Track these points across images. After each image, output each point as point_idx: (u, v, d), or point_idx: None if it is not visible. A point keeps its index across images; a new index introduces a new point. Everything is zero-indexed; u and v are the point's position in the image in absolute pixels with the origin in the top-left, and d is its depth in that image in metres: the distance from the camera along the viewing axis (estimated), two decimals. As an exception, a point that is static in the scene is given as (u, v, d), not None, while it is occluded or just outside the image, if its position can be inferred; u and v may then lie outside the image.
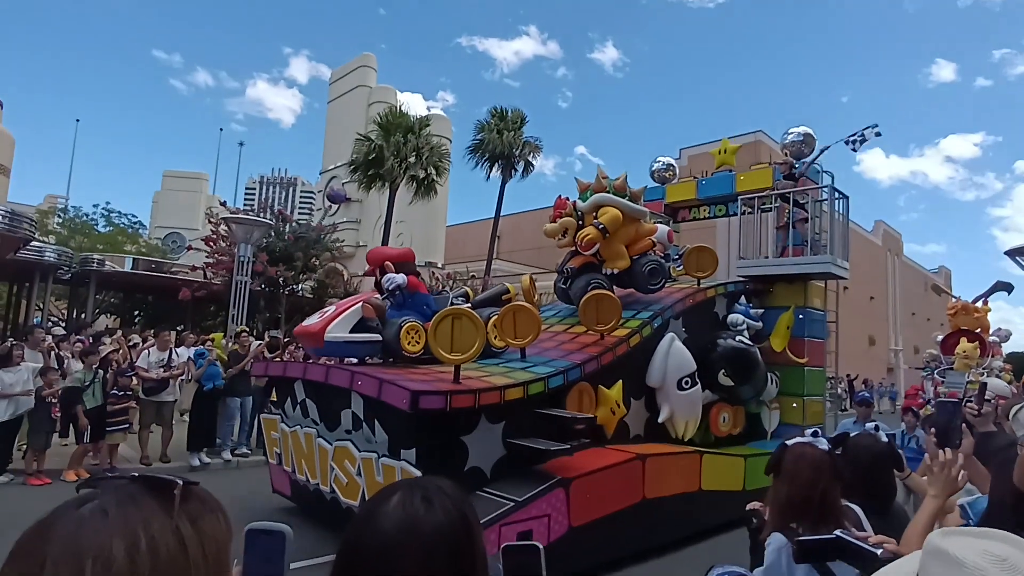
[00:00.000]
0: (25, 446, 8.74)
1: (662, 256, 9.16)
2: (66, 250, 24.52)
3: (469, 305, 6.89)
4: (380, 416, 5.18)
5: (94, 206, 33.71)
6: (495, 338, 6.51)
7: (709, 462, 6.93)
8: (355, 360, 6.14)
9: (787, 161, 9.08)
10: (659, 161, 11.05)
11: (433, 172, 27.49)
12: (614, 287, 7.84)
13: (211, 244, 23.22)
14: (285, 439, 6.37)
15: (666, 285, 8.58)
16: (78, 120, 49.02)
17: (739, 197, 9.19)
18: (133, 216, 34.24)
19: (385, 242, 27.18)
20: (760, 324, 8.49)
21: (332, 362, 6.18)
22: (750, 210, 9.21)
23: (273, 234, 22.73)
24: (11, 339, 9.35)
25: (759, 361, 7.80)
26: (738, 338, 7.77)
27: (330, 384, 5.51)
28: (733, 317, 8.18)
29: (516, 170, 30.29)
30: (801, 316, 8.81)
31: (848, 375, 34.42)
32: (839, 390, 31.96)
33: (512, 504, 4.96)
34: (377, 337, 6.03)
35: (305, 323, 6.08)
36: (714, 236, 18.44)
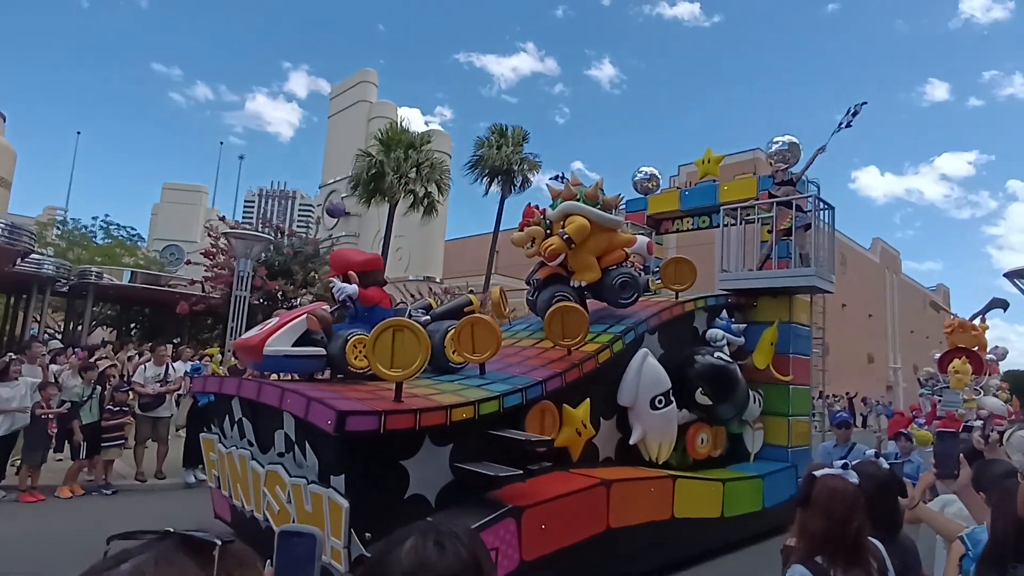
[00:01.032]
0: (19, 462, 8.44)
1: (642, 268, 8.67)
2: (64, 263, 24.26)
3: (428, 318, 6.38)
4: (311, 438, 4.65)
5: (93, 218, 33.59)
6: (453, 353, 6.00)
7: (683, 487, 6.36)
8: (295, 376, 5.63)
9: (778, 168, 8.57)
10: (641, 171, 10.57)
11: (435, 190, 27.30)
12: (586, 300, 7.34)
13: (210, 258, 22.92)
14: (222, 461, 5.85)
15: (644, 298, 8.08)
16: (79, 132, 49.04)
17: (721, 207, 8.69)
18: (132, 229, 33.99)
19: (384, 257, 26.88)
20: (742, 340, 7.95)
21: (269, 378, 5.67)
22: (733, 221, 8.70)
23: (272, 248, 22.41)
24: (10, 354, 9.10)
25: (739, 378, 7.25)
26: (717, 354, 7.23)
27: (262, 402, 4.99)
28: (712, 332, 7.64)
29: (515, 185, 30.06)
30: (786, 332, 8.27)
31: (847, 393, 33.65)
32: (838, 408, 31.38)
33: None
34: (321, 351, 5.51)
35: (245, 336, 5.58)
36: (712, 250, 17.96)
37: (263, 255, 20.58)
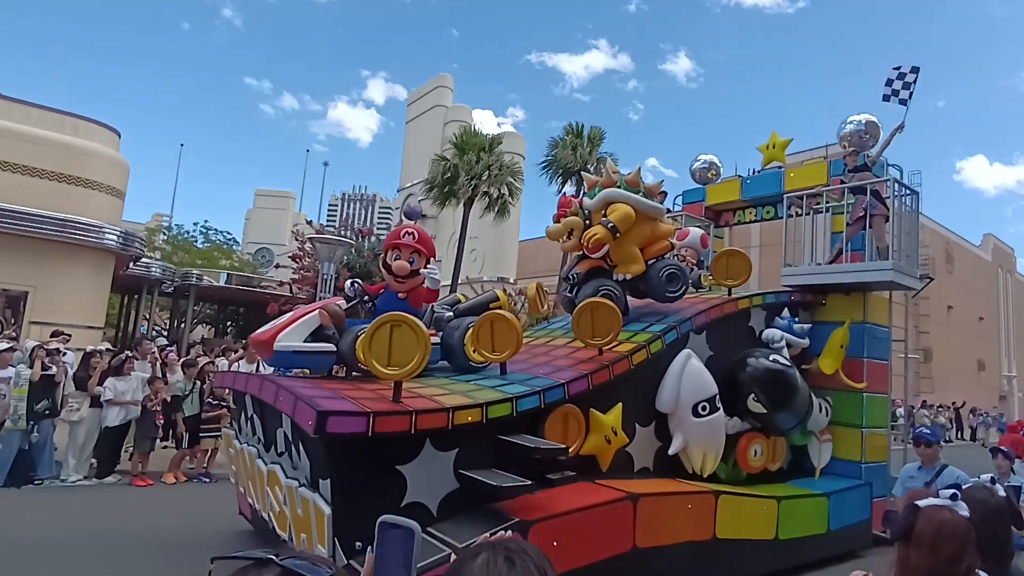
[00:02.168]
0: (131, 449, 9.18)
1: (695, 263, 7.93)
2: (169, 265, 25.87)
3: (450, 314, 5.97)
4: (303, 439, 4.34)
5: (194, 224, 35.62)
6: (473, 351, 5.56)
7: (728, 504, 5.62)
8: (307, 372, 5.36)
9: (851, 152, 7.58)
10: (700, 159, 9.72)
11: (506, 192, 27.17)
12: (627, 296, 6.70)
13: (297, 261, 23.72)
14: (238, 457, 5.66)
15: (694, 295, 7.35)
16: (182, 144, 52.32)
17: (785, 196, 7.79)
18: (228, 233, 35.77)
19: (459, 258, 26.94)
20: (806, 341, 7.06)
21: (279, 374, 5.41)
22: (799, 211, 7.78)
23: (354, 251, 22.92)
24: (127, 351, 9.84)
25: (799, 384, 6.39)
26: (773, 357, 6.40)
27: (262, 399, 4.73)
28: (769, 333, 6.81)
29: (591, 185, 29.39)
30: (859, 333, 7.29)
31: (953, 403, 30.58)
32: (944, 419, 28.40)
33: (446, 552, 3.96)
34: (331, 347, 5.20)
35: (260, 331, 5.36)
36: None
37: (344, 258, 21.09)
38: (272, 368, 5.65)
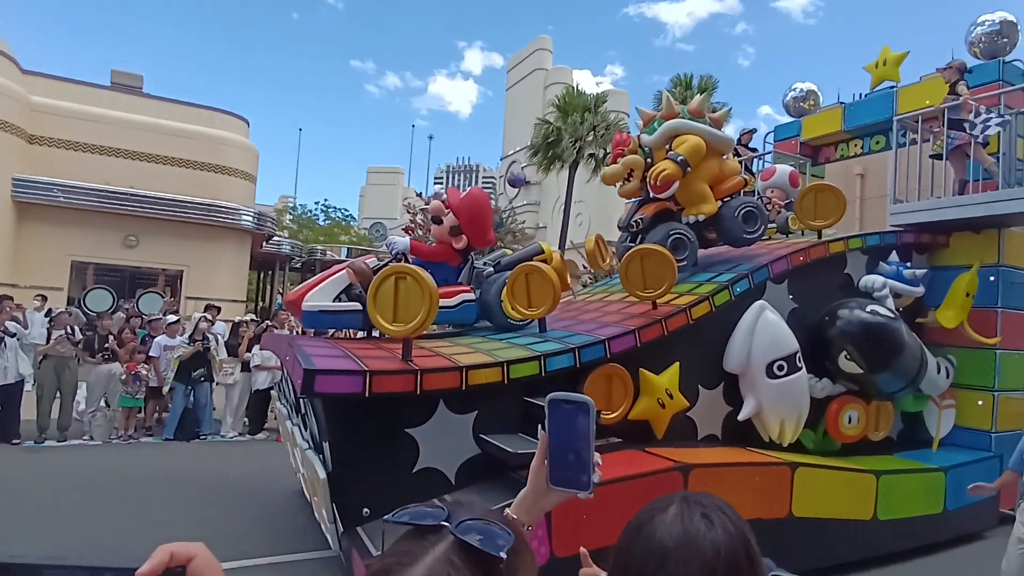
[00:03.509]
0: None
1: (783, 205, 6.78)
2: (297, 243, 27.51)
3: (491, 269, 5.42)
4: (312, 400, 4.01)
5: (315, 203, 37.46)
6: (511, 308, 4.98)
7: (808, 478, 4.67)
8: (333, 331, 5.06)
9: (956, 64, 6.04)
10: (795, 89, 8.30)
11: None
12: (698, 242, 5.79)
13: (409, 232, 24.20)
14: (280, 418, 5.52)
15: (783, 240, 6.27)
16: (300, 129, 54.97)
17: (895, 119, 6.36)
18: (345, 210, 37.27)
19: (565, 223, 26.20)
20: (920, 289, 5.78)
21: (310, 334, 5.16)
22: (914, 136, 6.35)
23: None
24: (267, 321, 10.64)
25: (904, 340, 5.19)
26: (870, 308, 5.25)
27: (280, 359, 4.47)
28: (869, 280, 5.60)
29: (702, 139, 27.50)
30: (992, 278, 5.86)
31: None
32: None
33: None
34: (357, 306, 4.85)
35: (292, 291, 5.13)
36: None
37: None
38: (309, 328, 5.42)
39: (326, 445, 3.68)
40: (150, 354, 8.97)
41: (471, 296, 5.06)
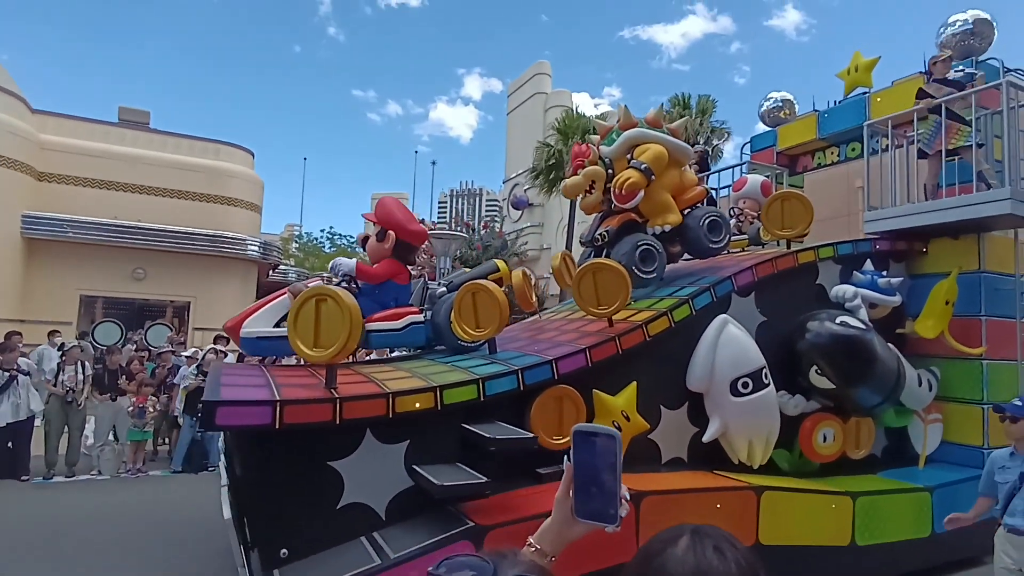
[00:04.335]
0: None
1: (755, 216, 6.47)
2: (304, 270, 27.51)
3: (443, 289, 5.16)
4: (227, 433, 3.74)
5: (321, 230, 37.44)
6: (460, 329, 4.70)
7: (776, 503, 4.29)
8: (274, 358, 4.80)
9: (944, 58, 5.70)
10: (770, 98, 8.01)
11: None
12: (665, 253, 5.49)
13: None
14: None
15: (752, 251, 5.96)
16: (305, 158, 55.46)
17: (865, 124, 6.04)
18: (351, 237, 37.20)
19: (568, 244, 25.97)
20: (896, 299, 5.41)
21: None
22: (886, 142, 6.02)
23: (467, 245, 22.96)
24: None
25: (877, 352, 4.82)
26: (840, 319, 4.89)
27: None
28: (840, 289, 5.25)
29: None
30: (974, 286, 5.49)
31: None
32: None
33: (374, 565, 3.17)
34: (297, 331, 4.59)
35: (233, 317, 4.89)
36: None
37: (458, 251, 21.11)
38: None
39: (239, 481, 3.40)
40: (175, 381, 9.00)
41: (419, 317, 4.79)
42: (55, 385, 8.63)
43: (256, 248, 19.90)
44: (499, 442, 3.54)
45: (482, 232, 26.66)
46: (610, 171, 5.42)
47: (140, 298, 18.64)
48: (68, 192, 18.50)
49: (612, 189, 5.23)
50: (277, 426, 3.20)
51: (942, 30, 6.12)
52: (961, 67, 5.79)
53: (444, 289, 5.09)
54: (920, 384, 5.33)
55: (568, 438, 3.57)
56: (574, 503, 1.11)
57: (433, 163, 45.44)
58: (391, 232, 5.00)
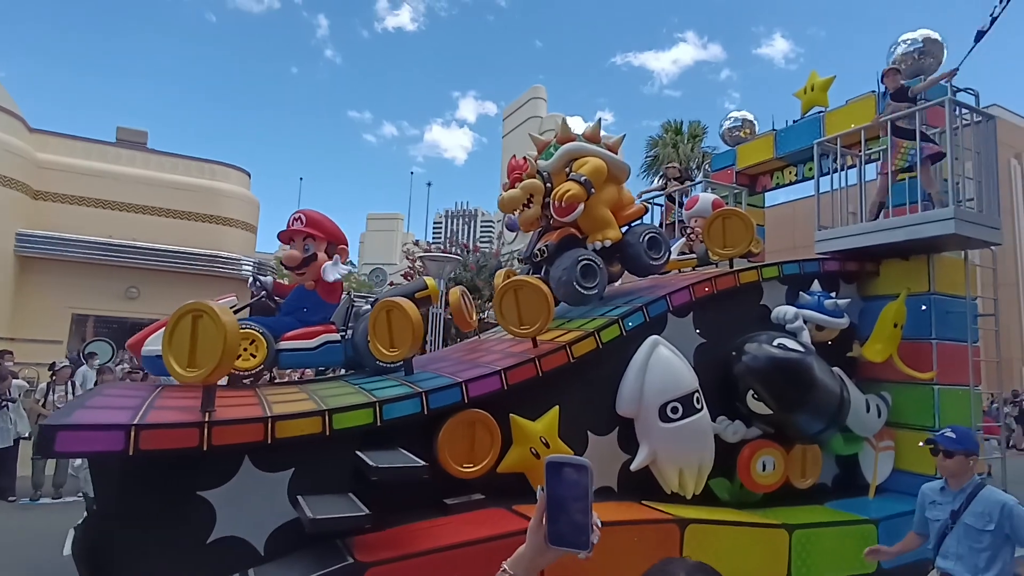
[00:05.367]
0: None
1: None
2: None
3: (368, 307, 4.87)
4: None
5: (316, 250, 37.01)
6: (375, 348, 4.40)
7: (702, 536, 3.94)
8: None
9: (891, 70, 5.44)
10: (731, 118, 7.77)
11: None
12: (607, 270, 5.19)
13: (408, 279, 23.87)
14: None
15: (700, 271, 5.67)
16: (301, 178, 55.57)
17: (816, 144, 5.77)
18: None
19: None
20: (843, 320, 5.08)
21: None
22: (835, 160, 5.74)
23: (461, 266, 22.73)
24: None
25: (815, 376, 4.48)
26: (778, 341, 4.57)
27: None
28: (780, 311, 4.94)
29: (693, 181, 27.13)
30: (924, 307, 5.16)
31: (1015, 392, 18.60)
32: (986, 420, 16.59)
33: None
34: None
35: (137, 335, 4.60)
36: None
37: (453, 272, 20.85)
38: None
39: (93, 514, 3.08)
40: None
41: (334, 336, 4.49)
42: (44, 406, 8.42)
43: (250, 268, 19.74)
44: (381, 471, 3.22)
45: (475, 255, 26.46)
46: (548, 185, 5.17)
47: (133, 317, 18.41)
48: (62, 210, 18.42)
49: (551, 202, 4.97)
50: (131, 452, 2.89)
51: (892, 48, 5.87)
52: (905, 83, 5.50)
53: (369, 307, 4.80)
54: (868, 410, 4.99)
55: (480, 466, 3.25)
56: (547, 531, 1.16)
57: (429, 184, 45.56)
58: (343, 247, 4.81)
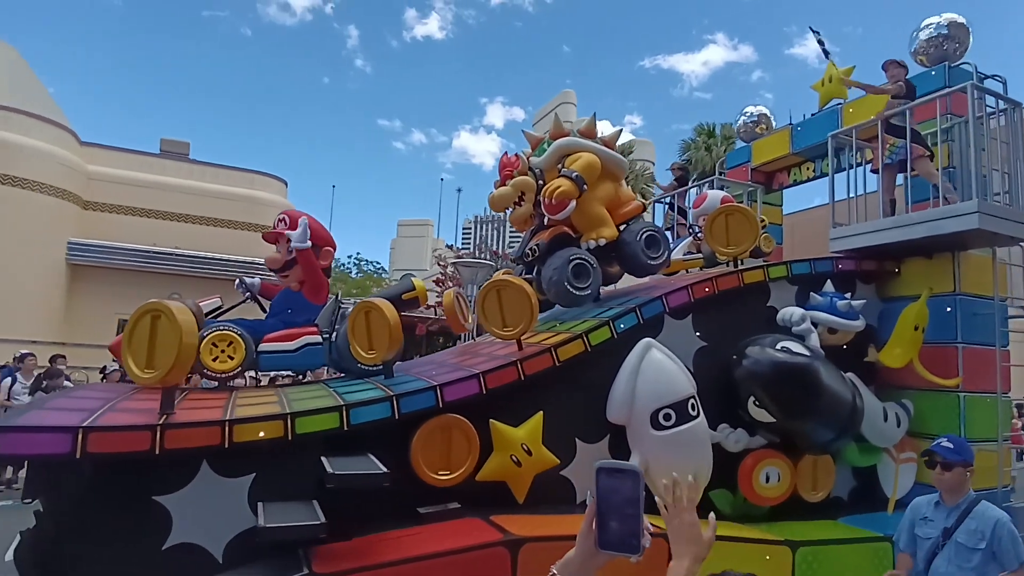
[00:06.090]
0: None
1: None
2: (331, 296, 27.71)
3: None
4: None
5: (348, 257, 37.86)
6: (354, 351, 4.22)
7: (693, 555, 3.61)
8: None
9: (893, 62, 5.03)
10: (746, 112, 7.35)
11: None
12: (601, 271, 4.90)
13: (439, 284, 23.91)
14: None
15: (702, 271, 5.34)
16: (334, 186, 56.53)
17: (829, 136, 5.36)
18: (377, 263, 37.38)
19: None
20: (859, 323, 4.66)
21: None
22: (854, 154, 5.31)
23: (492, 272, 22.68)
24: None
25: (821, 381, 4.10)
26: (782, 345, 4.20)
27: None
28: (786, 312, 4.55)
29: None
30: (949, 309, 4.71)
31: None
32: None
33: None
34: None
35: (118, 336, 4.53)
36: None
37: (486, 278, 20.78)
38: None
39: (38, 518, 2.96)
40: None
41: (316, 338, 4.33)
42: None
43: (287, 273, 20.11)
44: (338, 478, 3.03)
45: (506, 261, 26.36)
46: (540, 182, 4.93)
47: (176, 321, 18.97)
48: (111, 220, 19.09)
49: (542, 200, 4.73)
50: (78, 455, 2.77)
51: (915, 34, 5.41)
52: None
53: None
54: (886, 419, 4.55)
55: (457, 474, 3.04)
56: (597, 535, 1.20)
57: (459, 190, 45.75)
58: (327, 248, 4.68)
